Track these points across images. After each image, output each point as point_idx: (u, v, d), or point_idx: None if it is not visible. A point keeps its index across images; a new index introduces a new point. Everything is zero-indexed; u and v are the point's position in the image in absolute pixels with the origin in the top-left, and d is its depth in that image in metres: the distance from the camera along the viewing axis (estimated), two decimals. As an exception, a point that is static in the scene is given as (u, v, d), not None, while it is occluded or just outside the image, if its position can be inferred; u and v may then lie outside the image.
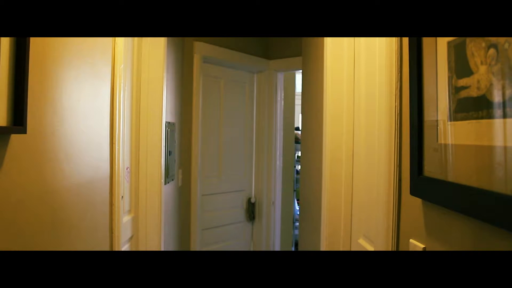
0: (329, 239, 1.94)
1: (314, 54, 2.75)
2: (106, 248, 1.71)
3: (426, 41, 0.96)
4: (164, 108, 2.56)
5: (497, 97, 0.69)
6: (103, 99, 1.62)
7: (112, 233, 1.75)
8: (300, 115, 3.41)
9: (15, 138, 0.99)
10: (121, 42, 1.80)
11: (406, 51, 1.11)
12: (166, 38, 2.60)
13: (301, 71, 3.53)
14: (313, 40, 2.83)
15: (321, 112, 2.22)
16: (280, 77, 4.28)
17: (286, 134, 4.56)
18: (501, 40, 0.67)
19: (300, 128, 3.38)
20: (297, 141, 4.90)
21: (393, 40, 1.19)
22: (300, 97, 3.58)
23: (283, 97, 4.36)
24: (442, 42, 0.88)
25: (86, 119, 1.45)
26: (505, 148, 0.67)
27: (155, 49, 2.55)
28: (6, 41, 0.92)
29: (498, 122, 0.69)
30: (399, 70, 1.17)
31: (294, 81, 4.91)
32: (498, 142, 0.69)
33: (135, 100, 2.41)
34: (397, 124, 1.17)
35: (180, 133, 3.24)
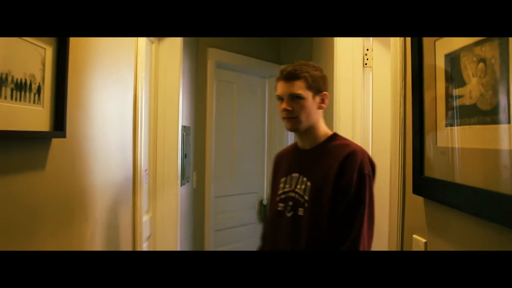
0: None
1: (324, 59, 2.85)
2: (129, 245, 1.82)
3: (427, 53, 1.05)
4: (180, 113, 2.67)
5: (485, 106, 0.78)
6: (127, 104, 1.74)
7: (134, 231, 1.87)
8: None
9: (55, 141, 1.11)
10: (143, 50, 1.92)
11: (409, 62, 1.20)
12: (182, 45, 2.71)
13: (311, 76, 3.62)
14: (323, 45, 2.92)
15: (331, 116, 2.31)
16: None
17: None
18: (489, 55, 0.77)
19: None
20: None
21: (398, 51, 1.29)
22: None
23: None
24: (440, 55, 0.97)
25: (112, 124, 1.56)
26: (493, 150, 0.76)
27: (172, 56, 2.66)
28: (49, 56, 1.03)
29: (487, 128, 0.79)
30: (403, 78, 1.26)
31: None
32: (487, 145, 0.79)
33: (153, 104, 2.53)
34: (402, 128, 1.27)
35: (195, 137, 3.35)
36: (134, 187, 1.85)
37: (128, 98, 1.76)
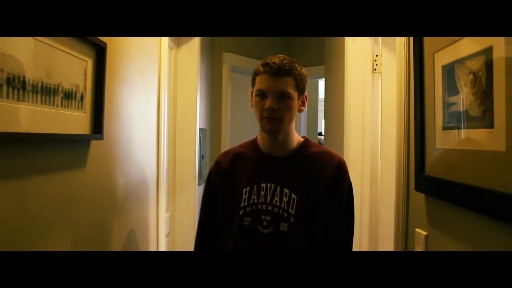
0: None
1: (335, 62, 2.96)
2: (154, 240, 1.96)
3: (427, 64, 1.16)
4: (198, 115, 2.81)
5: (475, 112, 0.90)
6: (151, 108, 1.88)
7: (158, 227, 2.00)
8: (323, 120, 3.61)
9: (94, 143, 1.24)
10: (165, 58, 2.06)
11: (412, 70, 1.31)
12: (199, 50, 2.85)
13: (323, 79, 3.74)
14: (334, 50, 3.04)
15: (342, 119, 2.43)
16: (304, 85, 4.49)
17: (310, 138, 4.76)
18: (477, 68, 0.88)
19: (323, 134, 3.58)
20: (320, 145, 5.09)
21: (402, 60, 1.40)
22: (323, 103, 3.79)
23: (307, 105, 4.56)
24: (438, 66, 1.09)
25: (138, 127, 1.70)
26: (481, 151, 0.88)
27: (190, 61, 2.80)
28: (90, 67, 1.17)
29: (476, 131, 0.90)
30: (407, 86, 1.37)
31: (317, 88, 5.12)
32: (476, 147, 0.90)
33: (172, 108, 2.67)
34: (406, 130, 1.38)
35: (211, 138, 3.49)
36: (157, 186, 1.99)
37: (152, 103, 1.89)
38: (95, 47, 1.19)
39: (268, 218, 1.29)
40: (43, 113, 0.94)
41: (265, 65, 1.28)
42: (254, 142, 1.42)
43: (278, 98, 1.26)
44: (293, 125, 1.36)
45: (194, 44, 2.84)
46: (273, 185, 1.31)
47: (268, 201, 1.30)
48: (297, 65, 1.30)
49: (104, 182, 1.36)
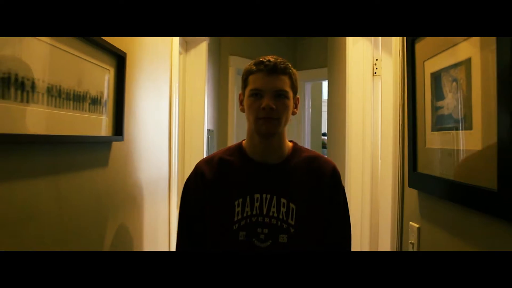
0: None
1: (337, 66, 3.07)
2: (166, 236, 2.08)
3: (418, 71, 1.28)
4: (206, 117, 2.93)
5: (457, 116, 1.01)
6: (163, 111, 2.00)
7: (169, 223, 2.12)
8: (326, 121, 3.72)
9: (115, 144, 1.36)
10: (176, 62, 2.18)
11: (406, 76, 1.43)
12: (206, 54, 2.97)
13: (327, 81, 3.85)
14: (336, 53, 3.15)
15: (344, 120, 2.54)
16: (308, 86, 4.61)
17: (314, 139, 4.88)
18: (459, 77, 1.00)
19: (327, 134, 3.70)
20: (324, 146, 5.22)
21: (398, 66, 1.52)
22: (326, 103, 3.90)
23: (310, 105, 4.69)
24: (428, 73, 1.20)
25: (152, 128, 1.82)
26: (464, 150, 0.99)
27: (198, 64, 2.93)
28: (112, 75, 1.29)
29: (458, 132, 1.01)
30: (402, 90, 1.48)
31: (321, 89, 5.23)
32: (459, 146, 1.01)
33: (181, 110, 2.79)
34: (401, 131, 1.49)
35: (218, 139, 3.61)
36: (169, 184, 2.11)
37: (164, 106, 2.02)
38: (116, 57, 1.32)
39: (266, 230, 1.22)
40: (75, 118, 1.06)
41: (259, 63, 1.23)
42: (239, 149, 1.32)
43: (275, 97, 1.20)
44: (286, 129, 1.30)
45: (201, 48, 2.97)
46: (268, 195, 1.24)
47: (264, 212, 1.23)
48: (290, 65, 1.26)
49: (123, 179, 1.48)
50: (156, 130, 1.88)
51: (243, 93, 1.29)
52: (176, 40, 2.14)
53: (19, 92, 0.82)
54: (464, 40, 0.98)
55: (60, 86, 0.98)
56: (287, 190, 1.25)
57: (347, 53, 2.52)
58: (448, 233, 1.13)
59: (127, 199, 1.52)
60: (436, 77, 1.14)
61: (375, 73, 2.41)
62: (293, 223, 1.22)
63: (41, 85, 0.90)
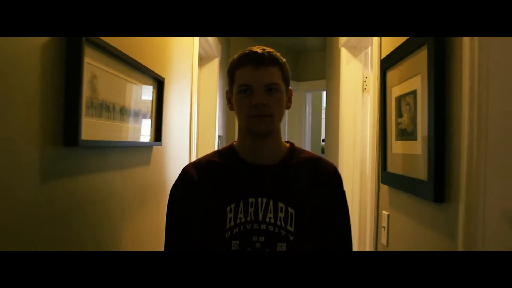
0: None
1: (333, 79, 3.47)
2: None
3: (388, 95, 1.67)
4: (217, 125, 3.34)
5: (410, 129, 1.41)
6: (185, 119, 2.40)
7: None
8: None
9: (154, 148, 1.77)
10: (196, 79, 2.58)
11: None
12: (218, 68, 3.39)
13: (325, 91, 4.26)
14: (333, 68, 3.54)
15: (338, 128, 2.94)
16: (309, 96, 5.02)
17: (314, 144, 5.28)
18: (410, 101, 1.39)
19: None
20: (323, 151, 5.61)
21: (376, 88, 1.91)
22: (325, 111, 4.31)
23: (311, 113, 5.10)
24: (393, 97, 1.60)
25: (177, 135, 2.23)
26: (412, 155, 1.39)
27: (210, 79, 3.35)
28: (154, 93, 1.70)
29: (410, 142, 1.41)
30: (379, 107, 1.88)
31: (321, 98, 5.64)
32: (412, 151, 1.41)
33: (197, 118, 3.20)
34: (378, 139, 1.89)
35: (226, 144, 4.01)
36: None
37: (185, 114, 2.42)
38: (157, 81, 1.72)
39: (262, 238, 1.09)
40: (133, 129, 1.47)
41: (244, 56, 1.11)
42: (231, 150, 1.22)
43: (266, 92, 1.09)
44: (280, 127, 1.19)
45: (214, 64, 3.39)
46: (264, 200, 1.11)
47: (260, 219, 1.10)
48: (279, 55, 1.15)
49: (160, 176, 1.88)
50: (180, 136, 2.28)
51: (230, 90, 1.17)
52: (196, 60, 2.55)
53: (106, 112, 1.23)
54: (414, 75, 1.37)
55: (125, 106, 1.38)
56: (285, 193, 1.13)
57: (341, 71, 2.92)
58: (405, 215, 1.52)
59: (163, 192, 1.92)
60: (398, 100, 1.54)
61: (365, 88, 2.81)
62: (292, 230, 1.10)
63: (116, 107, 1.31)
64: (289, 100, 1.19)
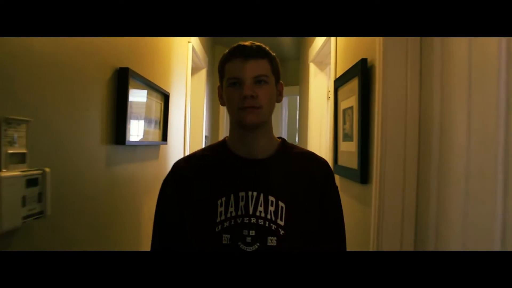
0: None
1: (304, 88, 4.03)
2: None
3: (339, 106, 2.24)
4: (204, 126, 3.87)
5: (349, 133, 1.97)
6: (180, 121, 2.93)
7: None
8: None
9: (161, 146, 2.30)
10: (189, 88, 3.10)
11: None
12: (206, 76, 3.92)
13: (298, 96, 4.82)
14: (304, 77, 4.10)
15: (307, 129, 3.50)
16: (285, 100, 5.58)
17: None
18: (350, 114, 1.95)
19: (297, 139, 4.65)
20: (298, 149, 6.17)
21: (332, 99, 2.47)
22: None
23: (287, 115, 5.65)
24: (341, 109, 2.16)
25: (175, 135, 2.75)
26: (352, 152, 1.95)
27: (199, 86, 3.87)
28: (162, 105, 2.24)
29: (349, 143, 1.97)
30: (333, 115, 2.44)
31: (296, 103, 6.20)
32: (351, 149, 1.97)
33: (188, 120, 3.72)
34: (333, 140, 2.45)
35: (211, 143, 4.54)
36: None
37: (180, 117, 2.94)
38: (164, 95, 2.25)
39: (253, 232, 1.08)
40: (149, 132, 1.99)
41: (234, 50, 1.12)
42: (223, 145, 1.21)
43: (255, 84, 1.09)
44: (271, 121, 1.19)
45: (202, 73, 3.92)
46: (255, 193, 1.11)
47: (250, 212, 1.09)
48: (269, 48, 1.16)
49: (165, 168, 2.41)
50: (177, 136, 2.81)
51: (221, 85, 1.17)
52: (189, 74, 3.08)
53: (136, 121, 1.76)
54: (352, 96, 1.93)
55: (147, 116, 1.91)
56: (276, 187, 1.13)
57: (310, 82, 3.48)
58: (349, 198, 2.09)
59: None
60: (344, 112, 2.11)
61: (329, 97, 3.38)
62: (282, 224, 1.09)
63: (140, 118, 1.83)
64: (280, 94, 1.20)
